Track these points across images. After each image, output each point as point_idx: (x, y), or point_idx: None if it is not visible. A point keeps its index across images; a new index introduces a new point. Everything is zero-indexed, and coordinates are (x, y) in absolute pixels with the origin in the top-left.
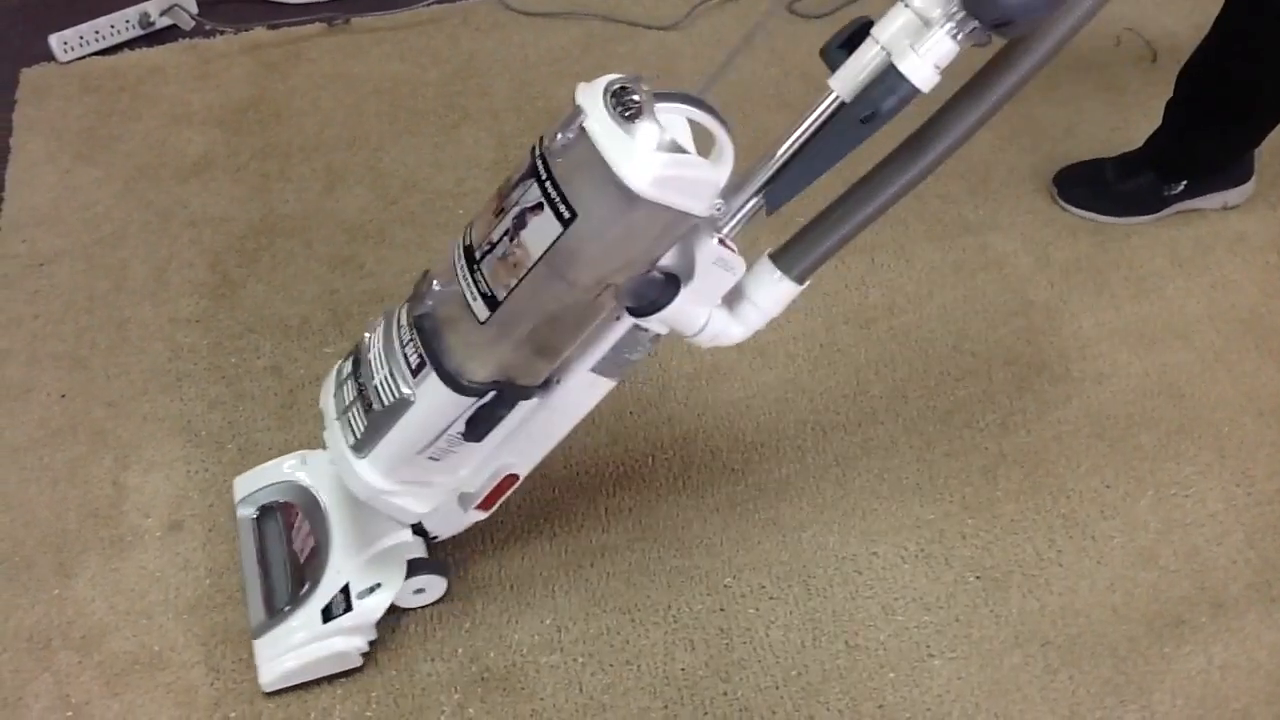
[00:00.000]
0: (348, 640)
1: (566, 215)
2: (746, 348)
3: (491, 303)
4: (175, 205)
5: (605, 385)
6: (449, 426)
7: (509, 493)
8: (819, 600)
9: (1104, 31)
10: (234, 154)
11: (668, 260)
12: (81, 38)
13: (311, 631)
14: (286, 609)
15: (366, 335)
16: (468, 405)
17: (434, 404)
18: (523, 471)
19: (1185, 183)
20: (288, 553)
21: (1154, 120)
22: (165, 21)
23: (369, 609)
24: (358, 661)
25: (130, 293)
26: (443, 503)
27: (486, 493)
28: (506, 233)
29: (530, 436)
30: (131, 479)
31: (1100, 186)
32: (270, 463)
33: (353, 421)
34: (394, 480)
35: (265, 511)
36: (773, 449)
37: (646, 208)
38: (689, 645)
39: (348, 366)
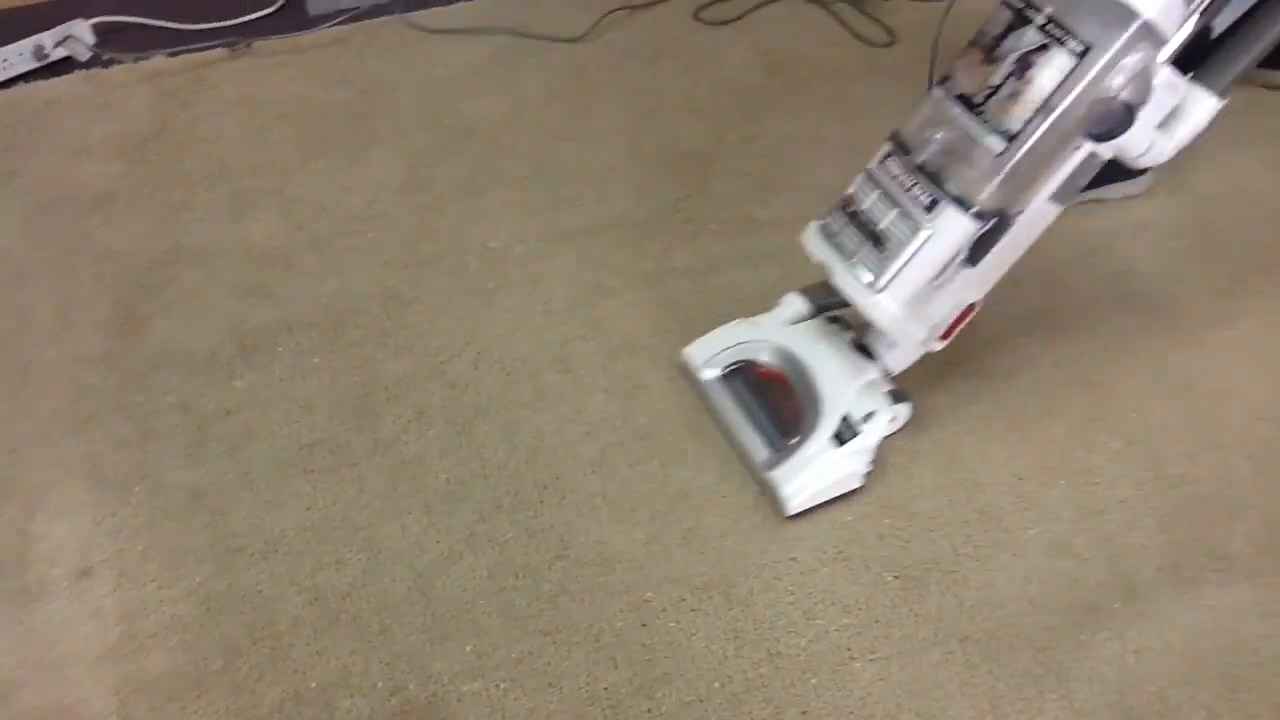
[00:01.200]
0: (856, 460)
1: (1080, 49)
2: (657, 364)
3: (1006, 136)
4: (78, 241)
5: (1055, 212)
6: (957, 254)
7: (965, 322)
8: (740, 610)
9: None
10: (137, 185)
11: (1129, 88)
12: None
13: (829, 456)
14: (794, 443)
15: (852, 191)
16: (974, 232)
17: (949, 234)
18: (979, 300)
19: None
20: (766, 401)
21: None
22: (61, 53)
23: (872, 432)
24: (860, 482)
25: (33, 333)
26: (904, 341)
27: (949, 323)
28: (1009, 75)
29: (989, 268)
30: (37, 527)
31: None
32: (718, 330)
33: (867, 261)
34: (908, 308)
35: (732, 370)
36: (693, 457)
37: (1146, 33)
38: (612, 663)
39: (837, 221)
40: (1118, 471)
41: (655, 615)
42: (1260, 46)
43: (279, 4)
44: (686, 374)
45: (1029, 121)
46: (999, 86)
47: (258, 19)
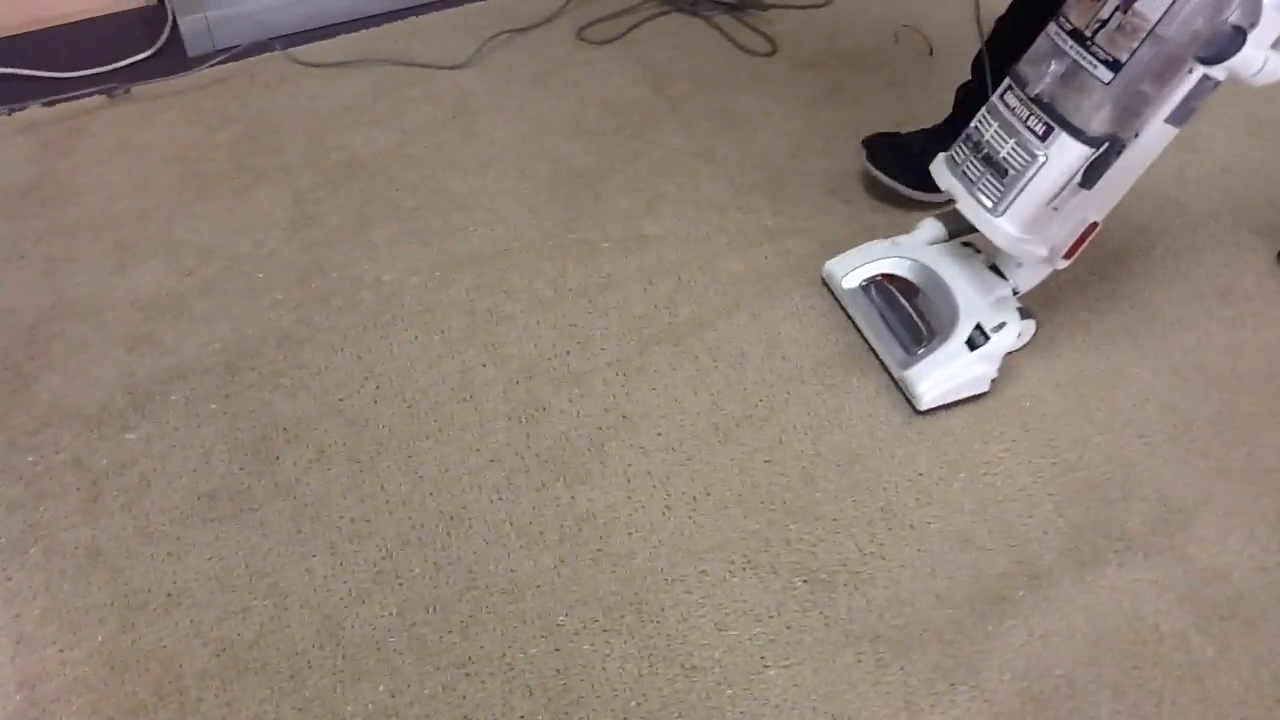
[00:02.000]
0: (986, 365)
1: None
2: (558, 385)
3: (1115, 66)
4: None
5: (1171, 134)
6: (1073, 178)
7: (1089, 240)
8: (652, 626)
9: (882, 30)
10: (16, 240)
11: (1234, 13)
12: None
13: (962, 359)
14: (929, 347)
15: (976, 124)
16: (1088, 156)
17: (1064, 159)
18: (1100, 219)
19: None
20: (905, 310)
21: (938, 108)
22: None
23: (1002, 339)
24: (987, 387)
25: None
26: (1028, 261)
27: (1072, 241)
28: (1117, 8)
29: (1108, 188)
30: None
31: (906, 155)
32: (861, 247)
33: (987, 188)
34: (1027, 230)
35: (871, 282)
36: (597, 479)
37: None
38: (527, 691)
39: (961, 152)
40: (1015, 461)
41: (568, 639)
42: None
43: (157, 47)
44: (829, 285)
45: (1135, 52)
46: (1107, 20)
47: (135, 63)
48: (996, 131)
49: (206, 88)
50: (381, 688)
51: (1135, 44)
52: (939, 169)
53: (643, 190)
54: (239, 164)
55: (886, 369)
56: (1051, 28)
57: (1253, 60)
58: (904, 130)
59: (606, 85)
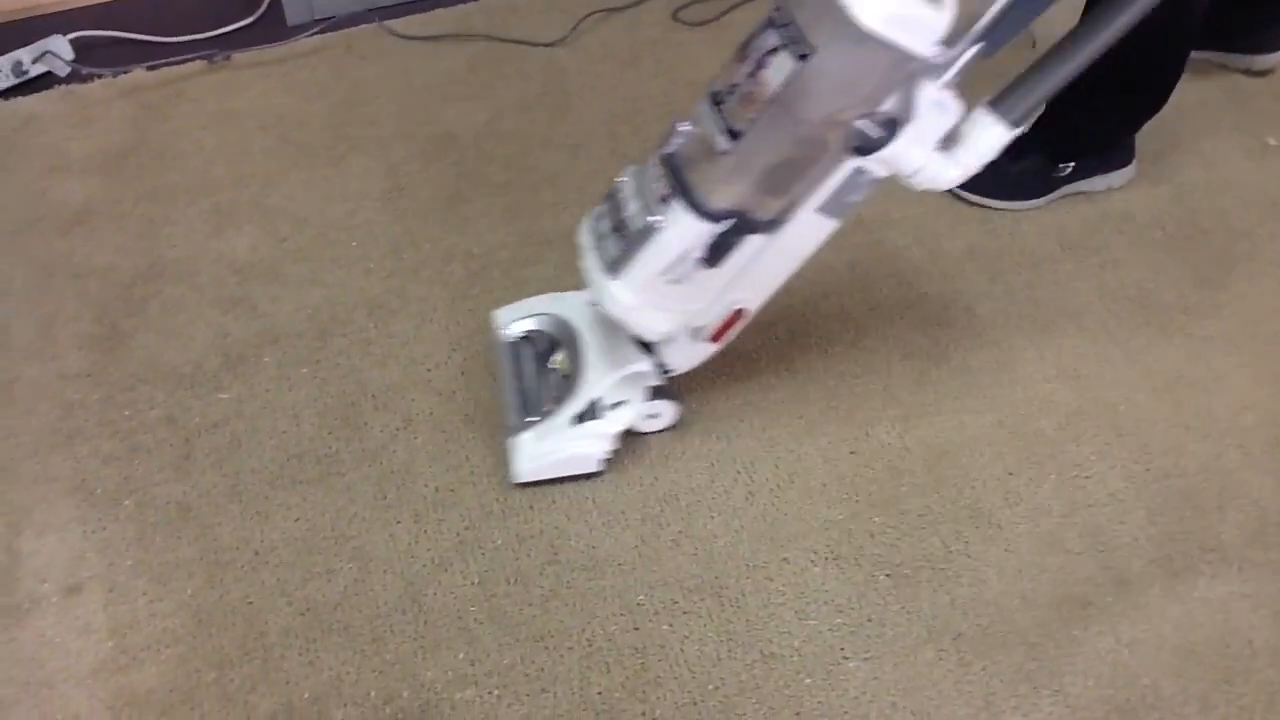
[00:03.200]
0: (593, 444)
1: (802, 53)
2: None
3: (732, 135)
4: (58, 258)
5: (829, 226)
6: (690, 251)
7: (737, 327)
8: (732, 611)
9: None
10: (116, 201)
11: (890, 104)
12: None
13: (564, 434)
14: (541, 416)
15: (620, 179)
16: (707, 232)
17: (679, 229)
18: (751, 307)
19: (1073, 165)
20: (540, 372)
21: None
22: (40, 69)
23: (615, 419)
24: (596, 467)
25: (15, 351)
26: (680, 338)
27: (718, 326)
28: (748, 74)
29: (758, 274)
30: (25, 544)
31: (991, 170)
32: (528, 299)
33: (608, 247)
34: (642, 300)
35: (524, 337)
36: (678, 458)
37: (875, 46)
38: (604, 668)
39: (603, 206)
40: (1107, 465)
41: (647, 619)
42: (1060, 78)
43: (257, 15)
44: (491, 332)
45: (753, 122)
46: (738, 85)
47: (236, 30)
48: (631, 189)
49: (304, 57)
50: (461, 655)
51: (753, 114)
52: (583, 225)
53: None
54: (334, 134)
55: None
56: (708, 87)
57: (908, 158)
58: None
59: (700, 68)
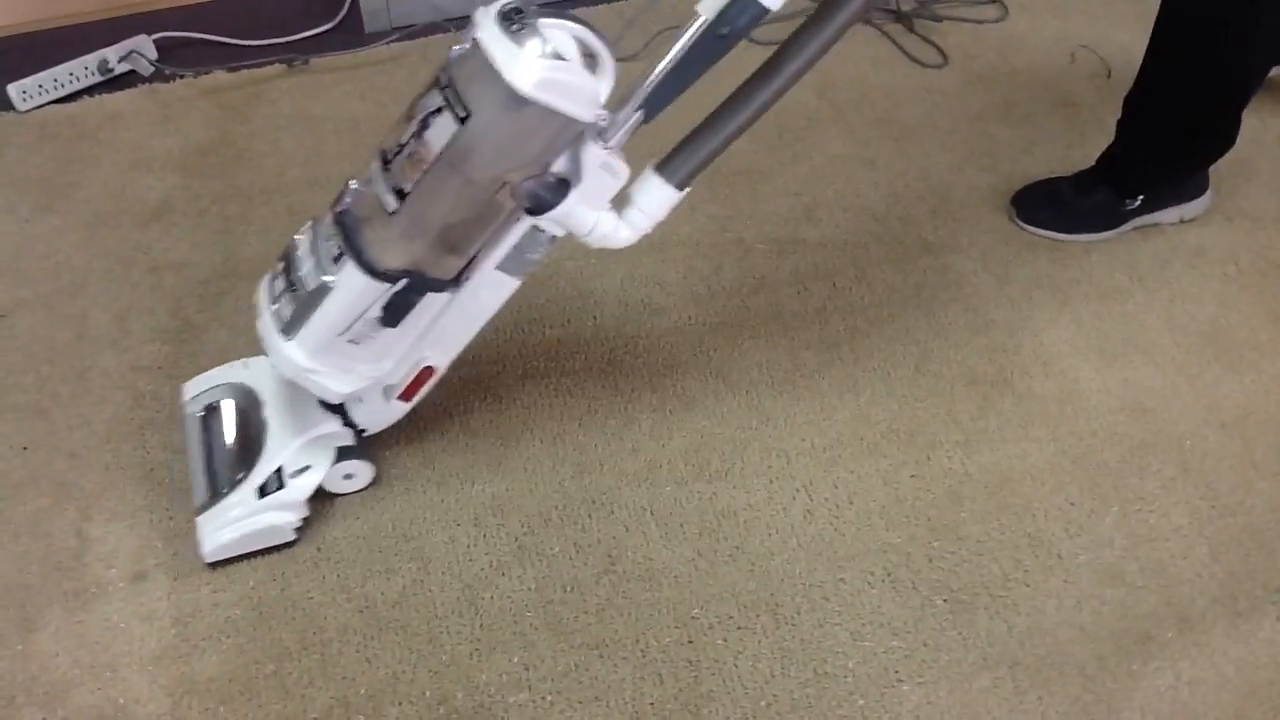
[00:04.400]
0: (280, 515)
1: (462, 114)
2: (703, 381)
3: (400, 195)
4: (136, 251)
5: (511, 284)
6: (365, 310)
7: (428, 385)
8: (787, 629)
9: (1059, 49)
10: (195, 198)
11: (559, 165)
12: (40, 86)
13: (248, 507)
14: (225, 490)
15: (296, 237)
16: (381, 291)
17: (351, 289)
18: (439, 364)
19: (1142, 197)
20: (227, 444)
21: (1108, 132)
22: (124, 67)
23: (299, 487)
24: (290, 536)
25: (91, 341)
26: (370, 398)
27: (407, 384)
28: (413, 135)
29: (445, 332)
30: (94, 530)
31: (1059, 205)
32: (216, 369)
33: (282, 308)
34: (318, 361)
35: (210, 410)
36: (738, 477)
37: (532, 109)
38: (658, 679)
39: (279, 265)
40: (1171, 499)
41: (702, 632)
42: (721, 141)
43: (335, 21)
44: (179, 408)
45: (418, 183)
46: (405, 145)
47: (315, 35)
48: (306, 247)
49: (380, 64)
50: (515, 660)
51: (418, 175)
52: (260, 284)
53: (802, 194)
54: None
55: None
56: (376, 145)
57: (579, 218)
58: (1056, 176)
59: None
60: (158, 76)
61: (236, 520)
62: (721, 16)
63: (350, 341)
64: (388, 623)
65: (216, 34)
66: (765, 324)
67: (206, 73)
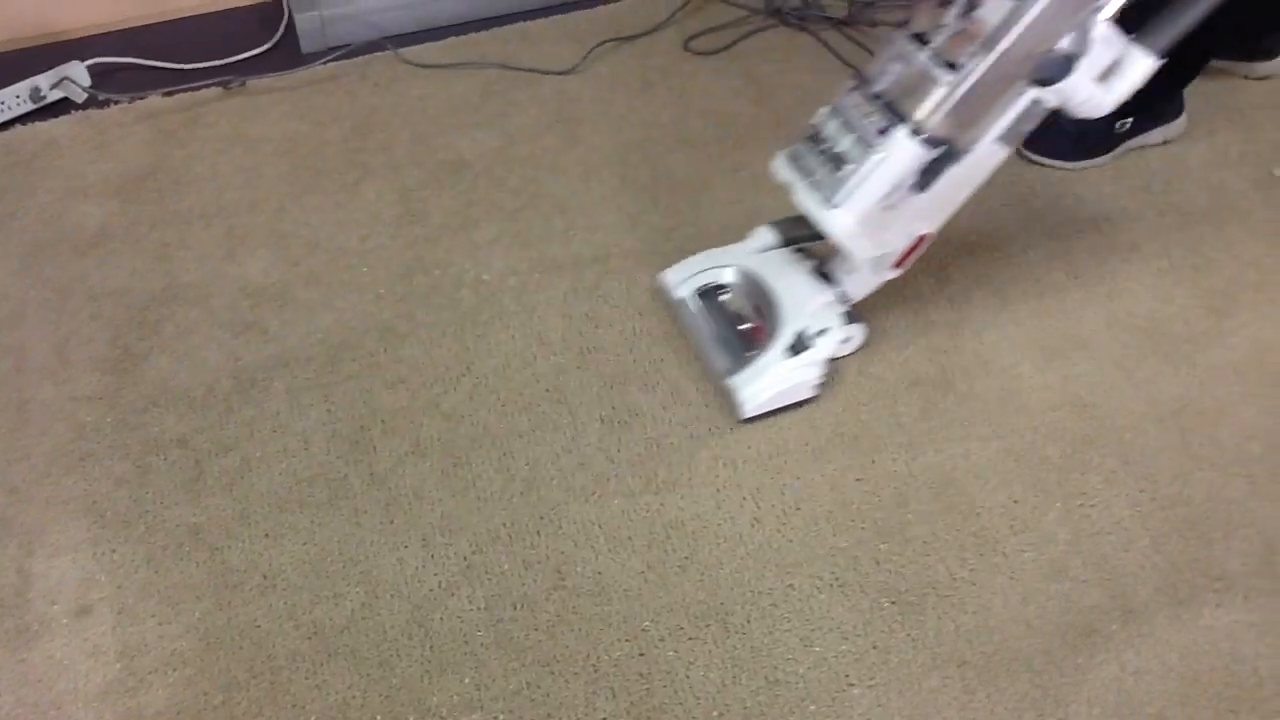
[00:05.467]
0: (808, 371)
1: None
2: (650, 392)
3: (951, 69)
4: (73, 280)
5: (1002, 154)
6: (907, 177)
7: (918, 252)
8: (738, 638)
9: None
10: (132, 224)
11: (1065, 41)
12: None
13: (783, 365)
14: (752, 354)
15: (814, 121)
16: (923, 158)
17: (899, 157)
18: (931, 231)
19: (1131, 119)
20: (732, 318)
21: None
22: (57, 94)
23: (824, 345)
24: (812, 392)
25: (30, 373)
26: (862, 269)
27: (903, 252)
28: (960, 14)
29: (939, 200)
30: (37, 565)
31: (1056, 134)
32: (695, 256)
33: (825, 181)
34: (859, 225)
35: (706, 290)
36: (686, 487)
37: None
38: (610, 694)
39: (802, 147)
40: (1113, 492)
41: (653, 645)
42: (1198, 10)
43: (272, 43)
44: (661, 295)
45: (973, 56)
46: (947, 25)
47: (251, 57)
48: (838, 128)
49: (319, 84)
50: (467, 680)
51: (973, 49)
52: (778, 163)
53: (744, 203)
54: (348, 160)
55: (712, 377)
56: (897, 34)
57: (1079, 89)
58: None
59: (710, 96)
60: (92, 103)
61: (772, 379)
62: None
63: (887, 209)
64: (337, 648)
65: (151, 58)
66: None
67: (142, 97)
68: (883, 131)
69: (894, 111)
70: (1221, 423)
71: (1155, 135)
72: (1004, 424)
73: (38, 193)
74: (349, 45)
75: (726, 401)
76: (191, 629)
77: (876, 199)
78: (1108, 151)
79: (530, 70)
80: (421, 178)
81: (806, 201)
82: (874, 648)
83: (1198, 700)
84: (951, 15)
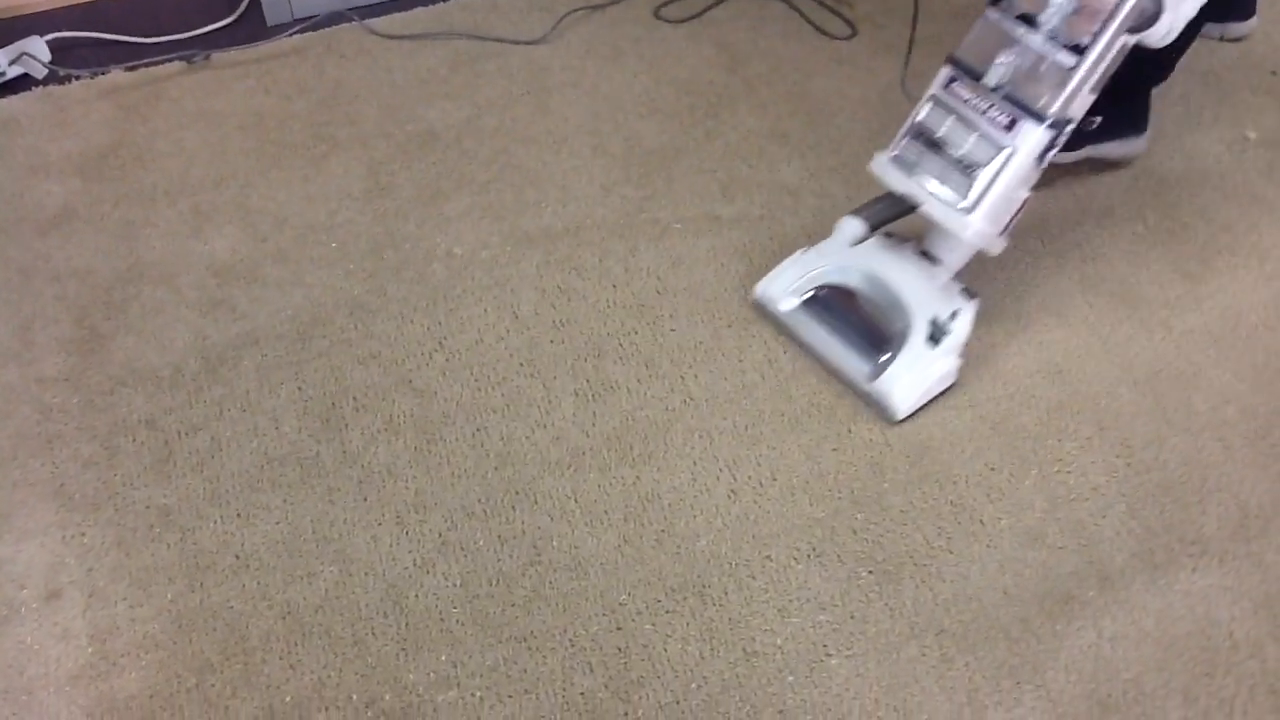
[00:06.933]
0: (950, 360)
1: None
2: (625, 364)
3: (1075, 50)
4: (36, 260)
5: (1089, 100)
6: (1036, 163)
7: (1021, 214)
8: (715, 610)
9: (968, 14)
10: (96, 202)
11: None
12: None
13: (928, 358)
14: (890, 353)
15: (921, 120)
16: (1051, 141)
17: (1030, 147)
18: (1030, 194)
19: (1099, 118)
20: (854, 318)
21: None
22: (16, 70)
23: (961, 328)
24: (955, 378)
25: None
26: (964, 243)
27: (1009, 219)
28: None
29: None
30: (4, 550)
31: None
32: (786, 262)
33: (955, 186)
34: (995, 222)
35: (813, 295)
36: (662, 460)
37: None
38: (587, 668)
39: (912, 151)
40: (1089, 458)
41: (630, 618)
42: None
43: (236, 15)
44: (763, 311)
45: (1096, 34)
46: (1058, 4)
47: (215, 30)
48: (953, 126)
49: (284, 57)
50: (443, 658)
51: (1096, 26)
52: (887, 170)
53: (716, 171)
54: (315, 133)
55: (851, 384)
56: (993, 14)
57: (1163, 26)
58: None
59: (682, 65)
60: (52, 79)
61: (922, 373)
62: None
63: (1019, 189)
64: (311, 628)
65: (113, 32)
66: (685, 303)
67: (104, 73)
68: (1009, 127)
69: (1016, 102)
70: (1196, 387)
71: (1116, 149)
72: (979, 391)
73: None
74: (314, 17)
75: (872, 405)
76: (163, 611)
77: (1013, 191)
78: (1074, 149)
79: (499, 40)
80: (390, 151)
81: (936, 210)
82: (851, 618)
83: (1173, 665)
84: None
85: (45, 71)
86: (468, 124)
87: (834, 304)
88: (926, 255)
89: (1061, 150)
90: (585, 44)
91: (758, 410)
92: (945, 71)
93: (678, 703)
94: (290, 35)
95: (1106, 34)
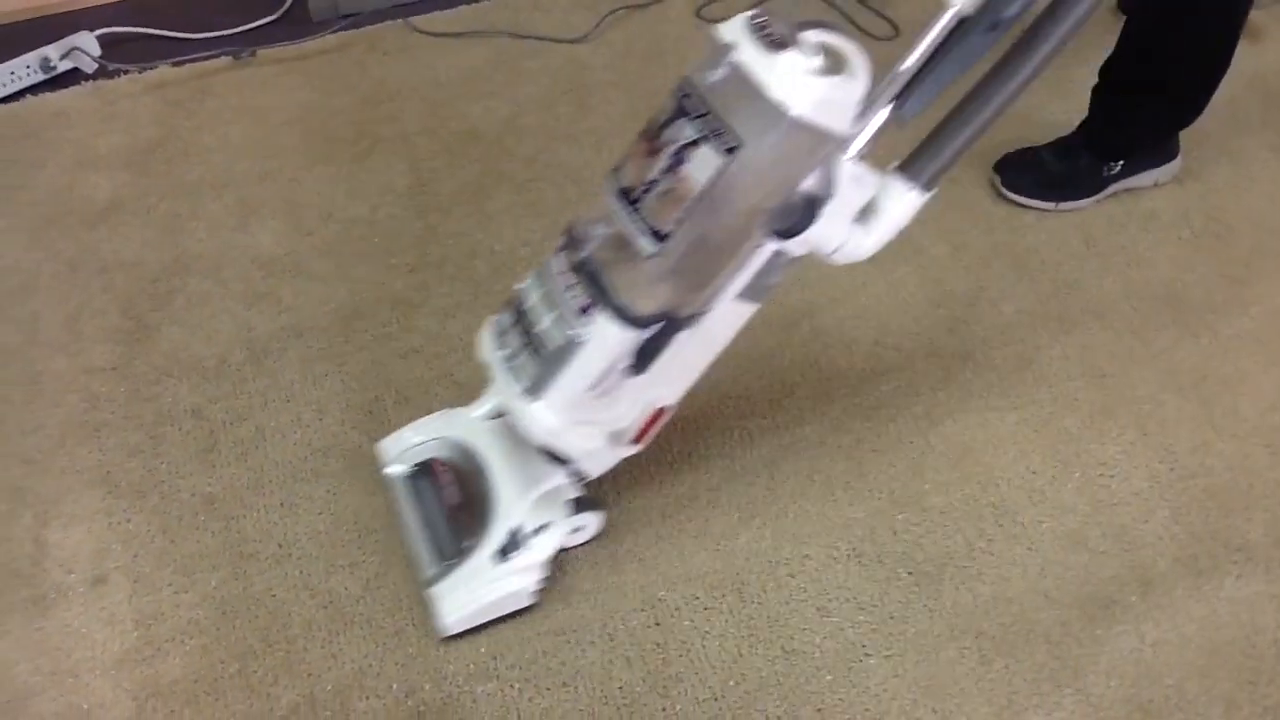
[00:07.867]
0: (523, 579)
1: (731, 145)
2: None
3: (658, 237)
4: (84, 252)
5: (748, 310)
6: (618, 361)
7: (659, 425)
8: (754, 607)
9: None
10: (143, 195)
11: (808, 184)
12: None
13: (488, 574)
14: (457, 558)
15: (520, 286)
16: (635, 339)
17: (605, 341)
18: (670, 403)
19: (1122, 163)
20: (445, 506)
21: (1076, 97)
22: (67, 65)
23: (541, 546)
24: (531, 600)
25: (42, 345)
26: (598, 445)
27: (639, 427)
28: (666, 170)
29: (678, 368)
30: (52, 535)
31: (1040, 173)
32: (415, 423)
33: (523, 367)
34: (566, 419)
35: (419, 469)
36: (701, 458)
37: (806, 132)
38: (626, 662)
39: (506, 319)
40: (1132, 464)
41: (669, 614)
42: (966, 139)
43: (281, 12)
44: (377, 469)
45: (680, 222)
46: (655, 181)
47: (261, 26)
48: (539, 300)
49: (327, 54)
50: (483, 649)
51: (680, 214)
52: (483, 335)
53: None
54: (358, 130)
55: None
56: (608, 182)
57: (829, 236)
58: (1035, 145)
59: None
60: (101, 73)
61: (477, 589)
62: (986, 8)
63: (599, 396)
64: (352, 617)
65: (161, 28)
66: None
67: (151, 68)
68: (585, 310)
69: (598, 284)
70: (1242, 392)
71: (1146, 178)
72: (1022, 394)
73: (47, 165)
74: (359, 14)
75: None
76: (207, 598)
77: (583, 390)
78: (1094, 193)
79: (541, 38)
80: (433, 147)
81: (504, 391)
82: (891, 618)
83: (1217, 672)
84: (658, 169)
85: (94, 66)
86: (509, 122)
87: (437, 482)
88: (552, 454)
89: (1081, 197)
90: (626, 43)
91: (797, 410)
92: (560, 239)
93: (715, 699)
94: (334, 32)
95: (694, 225)
